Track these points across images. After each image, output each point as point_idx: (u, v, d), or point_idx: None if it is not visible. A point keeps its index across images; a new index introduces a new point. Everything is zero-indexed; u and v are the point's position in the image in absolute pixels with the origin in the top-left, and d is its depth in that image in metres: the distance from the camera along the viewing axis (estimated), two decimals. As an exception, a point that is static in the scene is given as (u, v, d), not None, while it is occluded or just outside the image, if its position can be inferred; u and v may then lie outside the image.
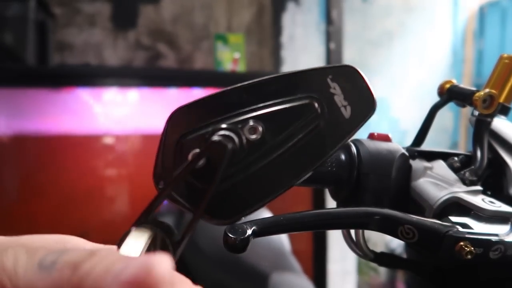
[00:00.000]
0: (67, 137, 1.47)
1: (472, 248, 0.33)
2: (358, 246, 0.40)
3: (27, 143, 1.43)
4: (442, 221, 0.34)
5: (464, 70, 2.72)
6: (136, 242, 0.20)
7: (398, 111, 2.56)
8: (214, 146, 0.21)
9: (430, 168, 0.40)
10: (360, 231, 0.40)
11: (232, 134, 0.21)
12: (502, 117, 0.42)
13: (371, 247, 0.40)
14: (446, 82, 0.45)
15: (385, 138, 0.41)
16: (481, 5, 2.64)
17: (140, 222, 0.20)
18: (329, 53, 1.65)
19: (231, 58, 1.80)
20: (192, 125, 0.22)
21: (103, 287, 0.17)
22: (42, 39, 1.48)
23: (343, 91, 0.22)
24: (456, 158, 0.42)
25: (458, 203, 0.36)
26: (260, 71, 2.16)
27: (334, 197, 0.42)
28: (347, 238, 0.41)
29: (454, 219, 0.35)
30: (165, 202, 0.22)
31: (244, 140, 0.21)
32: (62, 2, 1.84)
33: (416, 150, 0.42)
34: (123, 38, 1.93)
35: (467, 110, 0.43)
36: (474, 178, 0.38)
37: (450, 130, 2.70)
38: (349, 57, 2.37)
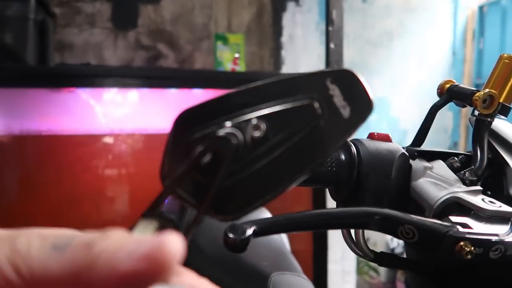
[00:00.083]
0: (67, 137, 1.47)
1: (472, 248, 0.33)
2: (358, 246, 0.40)
3: (27, 143, 1.43)
4: (442, 221, 0.34)
5: (464, 70, 2.72)
6: (144, 231, 0.21)
7: (398, 111, 2.56)
8: (219, 141, 0.22)
9: (430, 168, 0.40)
10: (360, 231, 0.40)
11: (236, 131, 0.22)
12: (502, 117, 0.42)
13: (371, 247, 0.40)
14: (446, 82, 0.45)
15: (385, 138, 0.41)
16: (481, 5, 2.64)
17: (147, 214, 0.21)
18: (329, 53, 1.65)
19: (231, 58, 1.80)
20: (198, 124, 0.23)
21: (116, 265, 0.17)
22: (42, 39, 1.48)
23: (342, 93, 0.23)
24: (456, 158, 0.42)
25: (458, 203, 0.36)
26: (260, 71, 2.16)
27: (334, 197, 0.42)
28: (347, 238, 0.41)
29: (454, 219, 0.35)
30: (166, 201, 0.22)
31: (248, 137, 0.22)
32: (62, 2, 1.84)
33: (416, 150, 0.42)
34: (123, 38, 1.93)
35: (467, 110, 0.43)
36: (474, 178, 0.39)
37: (450, 130, 2.70)
38: (349, 57, 2.37)
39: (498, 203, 0.36)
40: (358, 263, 2.31)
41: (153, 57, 1.98)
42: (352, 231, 0.40)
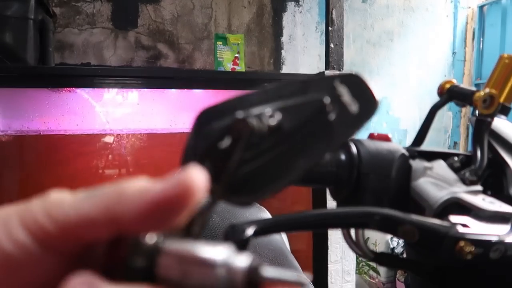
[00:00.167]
0: (67, 137, 1.47)
1: (473, 248, 0.33)
2: (358, 246, 0.40)
3: (27, 143, 1.43)
4: (442, 221, 0.34)
5: (464, 70, 2.72)
6: None
7: (398, 111, 2.56)
8: (238, 124, 0.24)
9: (430, 168, 0.40)
10: (360, 231, 0.40)
11: (253, 118, 0.24)
12: (502, 117, 0.42)
13: (372, 246, 0.40)
14: (446, 82, 0.45)
15: (385, 138, 0.41)
16: (481, 4, 2.64)
17: None
18: (329, 53, 1.65)
19: (231, 58, 1.79)
20: (218, 118, 0.25)
21: (146, 191, 0.18)
22: (42, 39, 1.48)
23: (350, 92, 0.25)
24: (456, 158, 0.42)
25: (458, 203, 0.36)
26: (260, 71, 2.16)
27: (334, 197, 0.42)
28: (347, 238, 0.41)
29: (454, 219, 0.35)
30: None
31: (264, 126, 0.24)
32: (62, 2, 1.84)
33: (416, 150, 0.42)
34: (123, 38, 1.93)
35: (467, 110, 0.43)
36: (474, 178, 0.38)
37: (450, 130, 2.70)
38: (349, 57, 2.37)
39: (498, 203, 0.36)
40: (358, 263, 2.31)
41: (153, 57, 1.98)
42: (352, 231, 0.40)
